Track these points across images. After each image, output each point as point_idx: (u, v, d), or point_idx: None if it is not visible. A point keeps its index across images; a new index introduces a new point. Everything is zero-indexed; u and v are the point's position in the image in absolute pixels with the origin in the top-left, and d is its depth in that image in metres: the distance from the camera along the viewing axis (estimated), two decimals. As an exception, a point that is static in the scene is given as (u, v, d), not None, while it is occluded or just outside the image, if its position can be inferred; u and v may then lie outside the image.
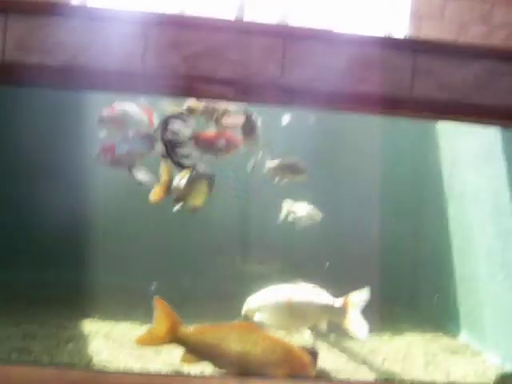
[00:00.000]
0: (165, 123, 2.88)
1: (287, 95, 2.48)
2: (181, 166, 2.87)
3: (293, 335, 3.47)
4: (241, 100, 2.87)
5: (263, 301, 3.38)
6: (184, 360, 3.01)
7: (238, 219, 4.42)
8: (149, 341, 3.06)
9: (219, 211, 4.24)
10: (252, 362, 2.92)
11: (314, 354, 3.12)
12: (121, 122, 3.21)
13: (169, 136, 2.82)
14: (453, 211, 4.20)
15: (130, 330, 3.62)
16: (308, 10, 4.77)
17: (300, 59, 2.46)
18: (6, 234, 4.13)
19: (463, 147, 4.09)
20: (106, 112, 3.39)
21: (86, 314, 3.78)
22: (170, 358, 3.15)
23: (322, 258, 4.15)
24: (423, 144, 4.57)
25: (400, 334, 3.95)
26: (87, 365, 3.04)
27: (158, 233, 4.40)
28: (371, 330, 3.84)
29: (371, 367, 3.35)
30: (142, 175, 2.91)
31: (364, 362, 3.42)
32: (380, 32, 5.05)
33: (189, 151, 2.81)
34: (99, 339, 3.43)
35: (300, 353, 3.03)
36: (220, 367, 2.99)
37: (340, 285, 3.35)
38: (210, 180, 3.37)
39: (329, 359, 3.33)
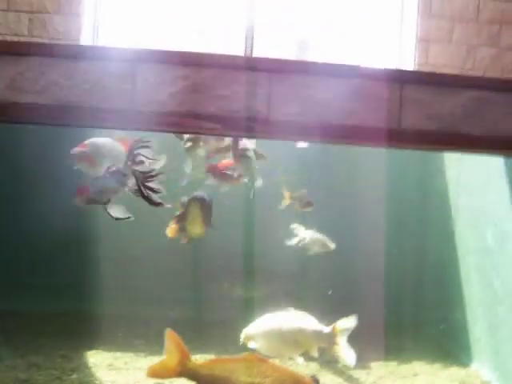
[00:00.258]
0: (131, 155, 2.84)
1: (274, 129, 2.49)
2: (150, 203, 2.80)
3: (286, 362, 3.45)
4: (229, 135, 2.90)
5: (257, 329, 3.39)
6: None
7: (242, 245, 4.43)
8: (159, 373, 3.07)
9: (223, 238, 4.24)
10: None
11: (316, 381, 3.11)
12: (92, 158, 3.20)
13: (137, 167, 2.79)
14: (460, 236, 4.16)
15: (133, 361, 3.65)
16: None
17: (286, 93, 2.47)
18: (10, 266, 4.20)
19: (468, 172, 4.06)
20: (76, 149, 3.30)
21: (90, 345, 3.82)
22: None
23: (327, 285, 4.14)
24: (430, 169, 4.53)
25: (407, 363, 3.90)
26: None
27: (158, 260, 4.42)
28: (378, 359, 3.86)
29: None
30: (115, 212, 2.89)
31: (370, 393, 3.39)
32: (388, 61, 5.10)
33: (159, 188, 2.77)
34: (103, 370, 3.46)
35: (309, 382, 3.03)
36: None
37: (344, 312, 3.33)
38: (205, 203, 3.35)
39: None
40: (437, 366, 3.90)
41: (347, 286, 4.37)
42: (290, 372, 3.03)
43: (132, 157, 2.81)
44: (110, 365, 3.56)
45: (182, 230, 3.50)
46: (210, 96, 2.49)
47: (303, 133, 2.52)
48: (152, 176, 2.77)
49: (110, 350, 3.79)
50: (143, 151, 2.79)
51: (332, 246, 4.09)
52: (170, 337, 2.97)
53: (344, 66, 2.59)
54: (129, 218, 2.91)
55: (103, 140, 3.35)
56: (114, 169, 2.87)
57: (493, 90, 2.52)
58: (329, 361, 3.55)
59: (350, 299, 4.24)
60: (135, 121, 2.53)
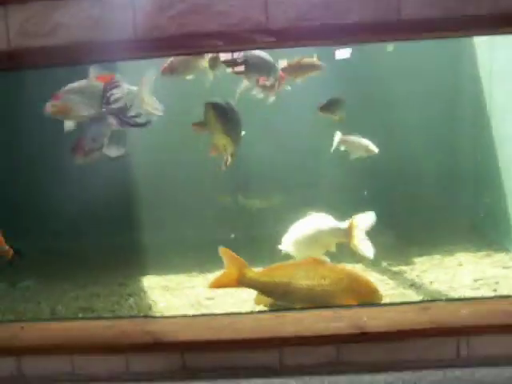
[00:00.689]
0: (105, 97, 2.94)
1: (275, 38, 2.52)
2: (137, 125, 2.90)
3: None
4: (231, 50, 2.94)
5: (287, 238, 3.58)
6: (258, 302, 3.24)
7: (279, 155, 4.50)
8: (221, 284, 3.27)
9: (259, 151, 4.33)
10: (321, 295, 3.09)
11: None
12: (67, 107, 3.15)
13: (113, 106, 2.89)
14: (495, 125, 4.10)
15: (186, 282, 3.86)
16: None
17: (282, 0, 2.49)
18: (64, 208, 4.44)
19: (501, 58, 3.96)
20: (47, 104, 3.26)
21: (144, 271, 4.05)
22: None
23: (367, 187, 4.21)
24: (461, 58, 4.42)
25: (451, 255, 3.96)
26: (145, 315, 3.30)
27: (189, 186, 4.58)
28: (422, 254, 3.93)
29: (419, 289, 3.41)
30: (113, 151, 2.99)
31: (412, 285, 3.48)
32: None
33: (138, 111, 2.88)
34: (157, 292, 3.68)
35: (366, 280, 3.21)
36: (291, 303, 3.16)
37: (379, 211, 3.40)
38: (223, 110, 3.26)
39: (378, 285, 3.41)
40: (480, 254, 3.94)
41: (386, 185, 4.40)
42: (347, 271, 3.22)
43: (106, 99, 2.92)
44: (165, 286, 3.76)
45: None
46: (208, 14, 2.53)
47: (304, 37, 2.54)
48: (127, 108, 2.93)
49: (162, 273, 4.01)
50: (115, 90, 2.90)
51: (375, 149, 4.09)
52: (225, 252, 3.17)
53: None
54: (123, 154, 3.02)
55: (77, 84, 3.33)
56: (94, 115, 2.96)
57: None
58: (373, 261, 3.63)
59: (388, 198, 4.30)
60: (140, 49, 2.61)
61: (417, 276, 3.63)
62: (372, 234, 3.38)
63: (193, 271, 4.01)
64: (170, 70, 3.54)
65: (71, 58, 2.66)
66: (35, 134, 4.25)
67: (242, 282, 3.18)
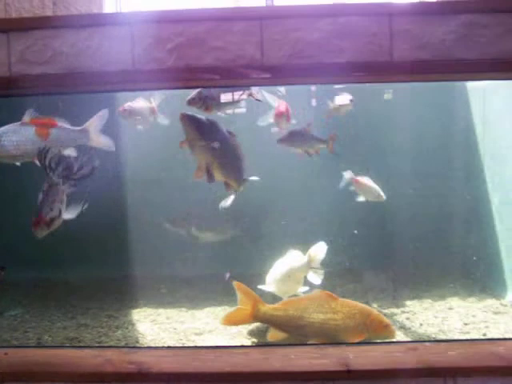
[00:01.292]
0: (44, 165, 3.06)
1: (270, 74, 2.58)
2: (84, 177, 3.05)
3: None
4: (227, 84, 3.00)
5: (269, 277, 3.66)
6: (272, 337, 3.21)
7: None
8: (234, 320, 3.28)
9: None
10: (334, 329, 3.13)
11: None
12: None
13: (56, 173, 3.01)
14: (489, 170, 4.14)
15: (175, 316, 3.84)
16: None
17: (278, 38, 2.56)
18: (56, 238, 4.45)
19: (493, 103, 4.03)
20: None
21: (134, 305, 4.03)
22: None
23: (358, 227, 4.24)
24: (455, 103, 4.49)
25: (442, 299, 3.95)
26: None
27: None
28: (412, 297, 3.93)
29: (408, 331, 3.39)
30: (71, 213, 3.07)
31: (402, 327, 3.46)
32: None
33: (81, 161, 3.04)
34: (146, 325, 3.65)
35: (379, 316, 3.21)
36: (304, 338, 3.17)
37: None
38: (197, 122, 3.18)
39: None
40: (471, 299, 3.93)
41: (377, 226, 4.42)
42: (360, 307, 3.22)
43: (46, 167, 3.04)
44: (153, 320, 3.75)
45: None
46: (205, 49, 2.60)
47: (297, 74, 2.60)
48: (75, 174, 3.06)
49: (152, 307, 4.00)
50: (49, 154, 3.05)
51: (383, 196, 4.10)
52: (239, 287, 3.20)
53: (331, 5, 2.64)
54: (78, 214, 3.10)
55: (10, 126, 3.38)
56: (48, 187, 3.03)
57: (482, 12, 2.52)
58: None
59: (380, 239, 4.31)
60: (138, 80, 2.66)
61: (406, 318, 3.61)
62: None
63: (182, 307, 3.99)
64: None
65: (69, 86, 2.71)
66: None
67: (256, 316, 3.21)
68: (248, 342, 3.25)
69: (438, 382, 2.60)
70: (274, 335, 3.21)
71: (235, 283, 3.23)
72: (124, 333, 3.51)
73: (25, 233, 4.44)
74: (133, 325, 3.66)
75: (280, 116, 3.86)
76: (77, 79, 2.66)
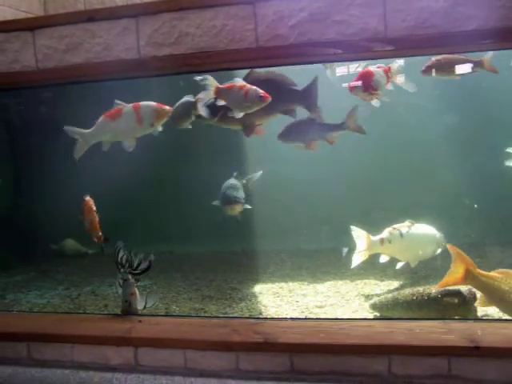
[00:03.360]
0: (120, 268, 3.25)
1: (393, 47, 2.54)
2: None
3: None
4: (349, 59, 2.98)
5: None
6: (481, 304, 3.13)
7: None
8: (447, 282, 3.19)
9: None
10: None
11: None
12: None
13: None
14: None
15: (297, 289, 3.91)
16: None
17: (401, 8, 2.51)
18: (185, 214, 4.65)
19: None
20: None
21: (256, 278, 4.16)
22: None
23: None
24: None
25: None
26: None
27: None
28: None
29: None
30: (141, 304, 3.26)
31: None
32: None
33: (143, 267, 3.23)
34: (268, 298, 3.75)
35: None
36: (506, 312, 3.04)
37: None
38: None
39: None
40: None
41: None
42: None
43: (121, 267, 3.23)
44: (276, 293, 3.83)
45: None
46: (327, 23, 2.60)
47: (422, 46, 2.54)
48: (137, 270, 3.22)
49: (275, 281, 4.09)
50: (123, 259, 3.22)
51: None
52: (453, 250, 3.12)
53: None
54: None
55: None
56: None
57: None
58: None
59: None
60: (261, 57, 2.71)
61: None
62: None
63: (304, 280, 4.06)
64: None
65: (195, 66, 2.80)
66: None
67: (467, 280, 3.12)
68: (370, 316, 3.26)
69: None
70: (483, 302, 3.12)
71: (449, 246, 3.14)
72: (247, 305, 3.61)
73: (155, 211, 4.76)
74: (256, 297, 3.77)
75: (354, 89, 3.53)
76: (203, 59, 2.75)
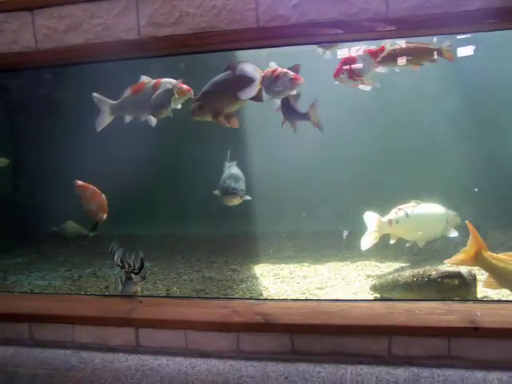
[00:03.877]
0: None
1: (395, 27, 2.52)
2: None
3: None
4: (350, 39, 2.95)
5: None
6: (486, 285, 3.13)
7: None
8: (458, 261, 3.19)
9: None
10: None
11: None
12: None
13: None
14: None
15: (297, 271, 3.92)
16: None
17: (403, -12, 2.49)
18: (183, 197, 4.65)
19: None
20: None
21: (257, 260, 4.17)
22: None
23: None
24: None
25: None
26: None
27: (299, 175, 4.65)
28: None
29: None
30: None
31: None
32: None
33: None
34: (269, 279, 3.76)
35: None
36: None
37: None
38: None
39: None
40: None
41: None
42: None
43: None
44: (276, 274, 3.84)
45: None
46: (329, 3, 2.57)
47: (423, 26, 2.52)
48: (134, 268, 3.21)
49: (275, 262, 4.10)
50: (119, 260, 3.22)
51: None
52: (471, 227, 3.09)
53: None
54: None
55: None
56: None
57: None
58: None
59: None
60: (261, 37, 2.69)
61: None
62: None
63: (304, 262, 4.06)
64: None
65: (196, 47, 2.78)
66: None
67: (477, 260, 3.11)
68: (370, 297, 3.27)
69: None
70: (489, 283, 3.11)
71: (468, 223, 3.11)
72: (248, 286, 3.63)
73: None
74: (256, 278, 3.78)
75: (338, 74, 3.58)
76: (203, 39, 2.73)
